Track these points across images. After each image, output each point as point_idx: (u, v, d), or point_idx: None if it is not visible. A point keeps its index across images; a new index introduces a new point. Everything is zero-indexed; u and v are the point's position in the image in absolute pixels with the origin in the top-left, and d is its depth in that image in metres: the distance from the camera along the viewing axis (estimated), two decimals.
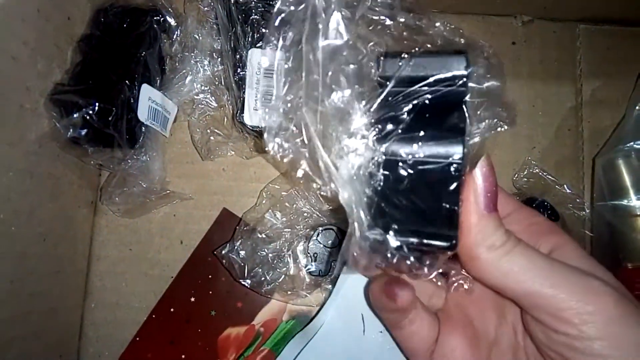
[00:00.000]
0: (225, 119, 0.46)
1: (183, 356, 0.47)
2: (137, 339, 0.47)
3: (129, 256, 0.48)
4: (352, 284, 0.42)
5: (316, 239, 0.43)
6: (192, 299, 0.47)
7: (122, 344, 0.46)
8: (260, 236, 0.44)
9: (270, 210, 0.45)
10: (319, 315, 0.44)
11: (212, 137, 0.45)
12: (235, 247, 0.43)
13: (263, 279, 0.44)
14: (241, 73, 0.43)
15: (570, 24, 0.52)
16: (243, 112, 0.42)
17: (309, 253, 0.44)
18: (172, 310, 0.47)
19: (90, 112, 0.38)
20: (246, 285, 0.43)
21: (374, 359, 0.41)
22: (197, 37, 0.46)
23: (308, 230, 0.45)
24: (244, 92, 0.42)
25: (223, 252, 0.43)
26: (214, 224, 0.48)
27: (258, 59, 0.43)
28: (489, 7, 0.51)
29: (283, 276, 0.44)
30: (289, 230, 0.45)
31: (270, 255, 0.44)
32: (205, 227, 0.48)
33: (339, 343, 0.42)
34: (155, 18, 0.44)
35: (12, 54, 0.35)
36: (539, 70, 0.52)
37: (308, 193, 0.46)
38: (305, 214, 0.45)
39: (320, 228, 0.43)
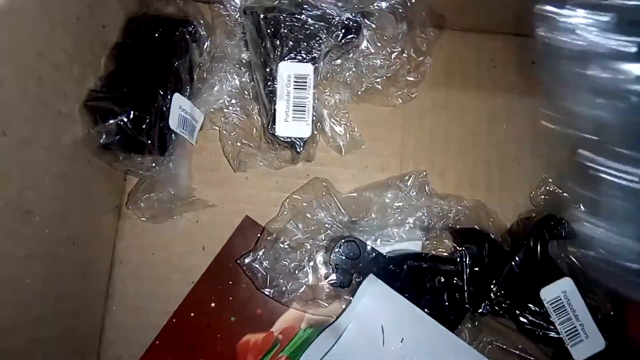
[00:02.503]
0: (254, 130, 0.47)
1: None
2: (157, 342, 0.47)
3: (151, 260, 0.48)
4: (372, 295, 0.43)
5: (338, 250, 0.44)
6: (213, 305, 0.48)
7: (142, 347, 0.47)
8: (282, 246, 0.45)
9: (292, 221, 0.46)
10: (334, 325, 0.45)
11: (243, 149, 0.46)
12: (258, 257, 0.44)
13: (284, 288, 0.44)
14: (271, 86, 0.44)
15: None
16: (275, 124, 0.43)
17: (330, 264, 0.44)
18: (192, 314, 0.48)
19: (125, 119, 0.39)
20: (268, 294, 0.44)
21: None
22: (225, 48, 0.47)
23: (329, 241, 0.46)
24: (274, 105, 0.43)
25: (246, 261, 0.44)
26: (236, 231, 0.49)
27: (288, 71, 0.44)
28: (510, 27, 0.53)
29: (304, 286, 0.45)
30: (311, 240, 0.46)
31: (291, 265, 0.45)
32: (227, 234, 0.49)
33: (358, 354, 0.42)
34: (187, 29, 0.45)
35: (53, 61, 0.36)
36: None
37: (329, 204, 0.46)
38: (327, 225, 0.46)
39: (343, 240, 0.44)
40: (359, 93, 0.48)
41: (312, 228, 0.46)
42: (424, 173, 0.47)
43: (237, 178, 0.50)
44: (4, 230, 0.32)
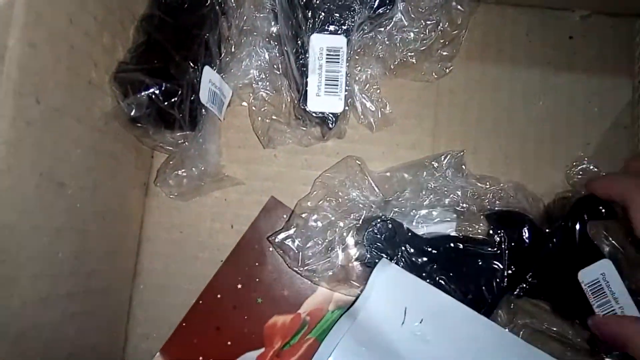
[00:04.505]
0: (284, 106, 0.45)
1: (229, 342, 0.46)
2: (184, 324, 0.47)
3: (179, 238, 0.48)
4: (385, 279, 0.41)
5: (372, 230, 0.42)
6: (239, 286, 0.47)
7: (170, 325, 0.46)
8: (314, 224, 0.44)
9: (323, 200, 0.45)
10: (350, 310, 0.43)
11: (272, 126, 0.45)
12: (290, 235, 0.43)
13: (316, 267, 0.43)
14: (303, 59, 0.42)
15: (629, 19, 0.51)
16: (306, 99, 0.41)
17: (363, 244, 0.43)
18: (218, 296, 0.47)
19: (157, 92, 0.38)
20: (300, 272, 0.43)
21: (410, 349, 0.41)
22: (254, 21, 0.46)
23: (361, 221, 0.45)
24: (306, 78, 0.42)
25: (278, 238, 0.43)
26: (262, 211, 0.48)
27: (320, 44, 0.42)
28: (547, 0, 0.51)
29: (336, 266, 0.44)
30: (343, 220, 0.44)
31: (323, 244, 0.44)
32: (255, 213, 0.48)
33: (377, 331, 0.41)
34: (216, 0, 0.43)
35: (84, 28, 0.35)
36: (595, 65, 0.51)
37: (362, 184, 0.45)
38: (360, 205, 0.45)
39: (378, 219, 0.42)
40: (392, 68, 0.47)
41: (345, 207, 0.45)
42: (461, 153, 0.46)
43: (265, 156, 0.49)
44: (39, 202, 0.31)
